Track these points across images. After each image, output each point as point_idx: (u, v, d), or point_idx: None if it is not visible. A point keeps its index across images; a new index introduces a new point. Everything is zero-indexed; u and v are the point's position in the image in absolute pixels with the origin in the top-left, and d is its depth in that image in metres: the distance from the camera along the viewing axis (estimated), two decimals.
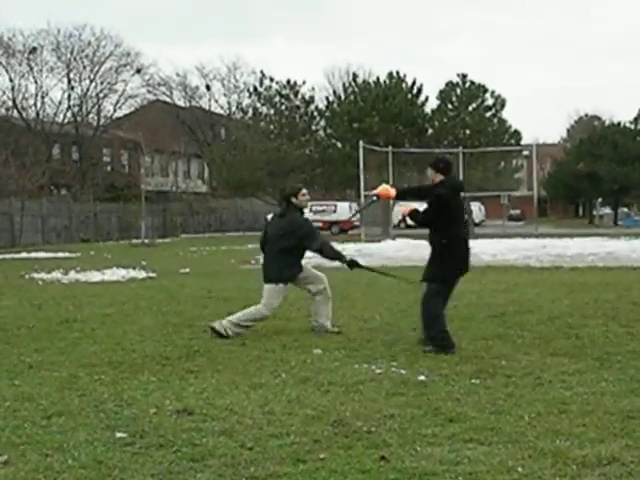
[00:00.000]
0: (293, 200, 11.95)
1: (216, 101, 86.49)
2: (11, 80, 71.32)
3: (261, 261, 12.33)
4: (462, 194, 11.31)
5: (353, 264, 11.88)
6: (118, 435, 6.54)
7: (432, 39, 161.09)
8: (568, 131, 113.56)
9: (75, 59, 73.99)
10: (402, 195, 11.67)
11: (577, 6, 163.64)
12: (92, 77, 74.50)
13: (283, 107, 65.66)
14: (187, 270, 24.39)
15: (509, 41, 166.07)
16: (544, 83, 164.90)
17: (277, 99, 65.82)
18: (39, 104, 72.45)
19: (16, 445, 6.34)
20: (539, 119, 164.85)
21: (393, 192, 10.98)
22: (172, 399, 7.73)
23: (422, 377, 8.53)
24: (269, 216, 14.70)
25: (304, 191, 12.09)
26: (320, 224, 61.35)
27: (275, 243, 11.87)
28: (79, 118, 74.30)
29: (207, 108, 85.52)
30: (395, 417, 6.96)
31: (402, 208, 11.72)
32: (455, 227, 10.50)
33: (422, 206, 10.64)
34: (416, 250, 31.87)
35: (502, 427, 6.62)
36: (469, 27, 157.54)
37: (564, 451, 5.97)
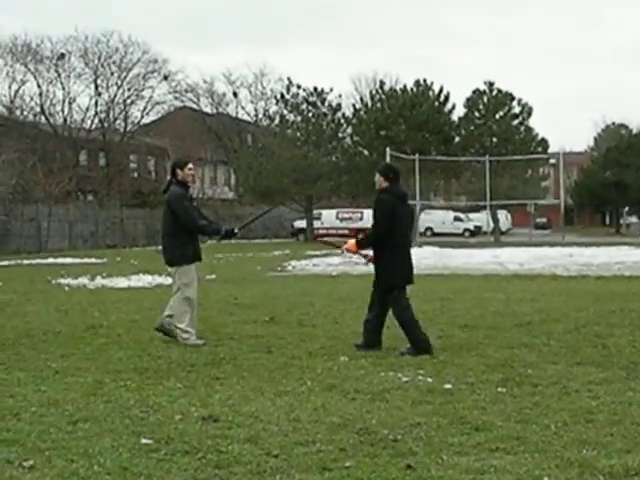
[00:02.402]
0: (178, 172, 11.58)
1: (243, 108, 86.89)
2: (39, 86, 71.97)
3: None
4: (409, 205, 11.08)
5: (229, 234, 11.76)
6: (143, 441, 6.55)
7: (459, 47, 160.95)
8: (595, 139, 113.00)
9: (103, 65, 74.52)
10: (362, 244, 10.88)
11: (606, 14, 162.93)
12: (119, 83, 74.97)
13: (310, 114, 65.68)
14: (213, 277, 24.41)
15: (537, 49, 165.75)
16: (571, 91, 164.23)
17: (304, 106, 65.84)
18: (67, 110, 73.07)
19: (42, 450, 6.36)
20: (566, 127, 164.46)
21: (352, 242, 10.78)
22: (198, 406, 7.73)
23: (448, 385, 8.50)
24: None
25: (190, 165, 11.69)
26: (347, 231, 61.50)
27: (163, 222, 11.72)
28: (106, 124, 74.68)
29: (234, 115, 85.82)
30: (421, 426, 6.93)
31: (349, 246, 10.86)
32: (400, 235, 10.45)
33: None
34: (441, 259, 31.89)
35: (528, 436, 6.58)
36: (499, 35, 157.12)
37: (591, 461, 5.92)
